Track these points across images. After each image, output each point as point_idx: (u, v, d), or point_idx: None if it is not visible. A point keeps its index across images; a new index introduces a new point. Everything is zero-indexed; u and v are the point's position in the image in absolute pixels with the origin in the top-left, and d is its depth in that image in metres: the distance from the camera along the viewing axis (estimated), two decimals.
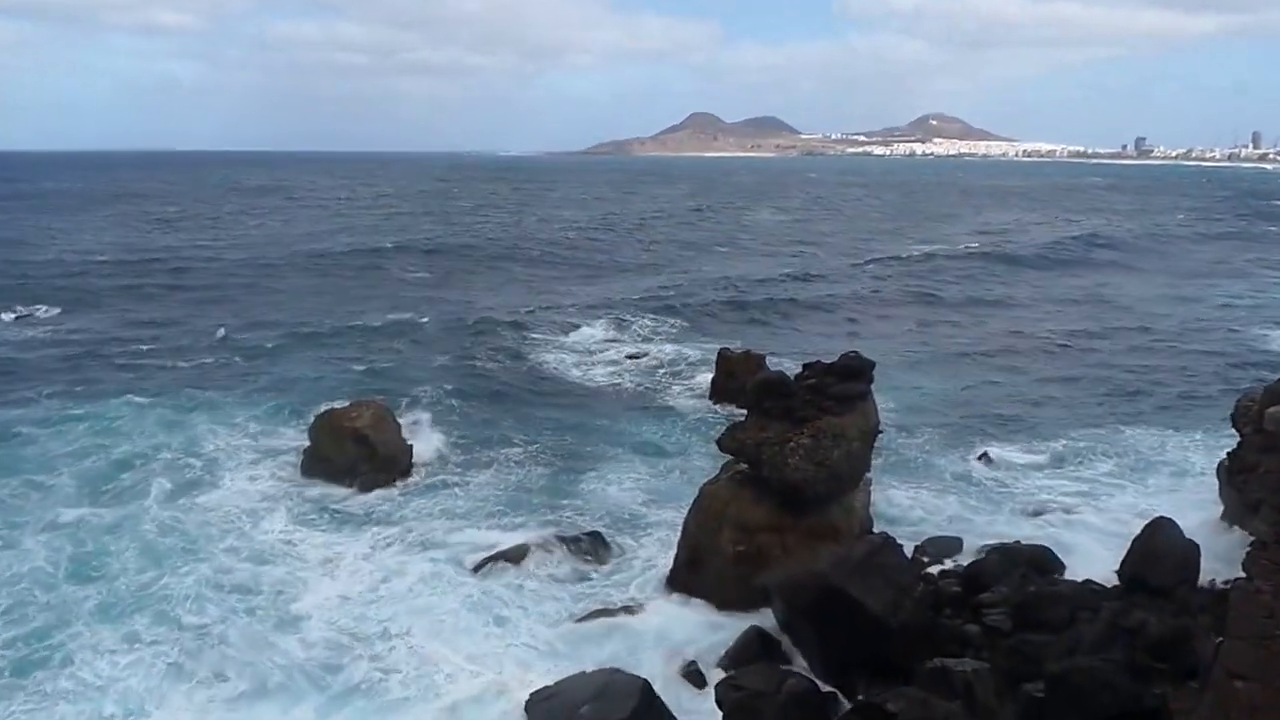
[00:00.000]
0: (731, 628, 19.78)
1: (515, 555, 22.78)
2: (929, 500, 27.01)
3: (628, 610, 20.65)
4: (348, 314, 51.18)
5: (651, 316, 51.61)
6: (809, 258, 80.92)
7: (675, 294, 59.27)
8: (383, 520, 25.33)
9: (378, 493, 26.96)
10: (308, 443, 28.94)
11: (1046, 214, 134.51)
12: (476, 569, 22.25)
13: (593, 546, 23.41)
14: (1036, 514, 25.92)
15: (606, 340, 45.97)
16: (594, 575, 22.47)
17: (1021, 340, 48.96)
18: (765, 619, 19.61)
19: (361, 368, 39.53)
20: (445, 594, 21.31)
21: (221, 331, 44.43)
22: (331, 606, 20.74)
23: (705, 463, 28.00)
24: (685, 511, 22.59)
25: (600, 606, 20.84)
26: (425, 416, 32.63)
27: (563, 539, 23.54)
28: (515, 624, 20.21)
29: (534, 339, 46.09)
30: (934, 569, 21.81)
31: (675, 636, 19.81)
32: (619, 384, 38.91)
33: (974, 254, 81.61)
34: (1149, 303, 60.32)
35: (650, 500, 26.64)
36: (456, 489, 27.44)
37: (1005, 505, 26.77)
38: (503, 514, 25.59)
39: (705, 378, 37.62)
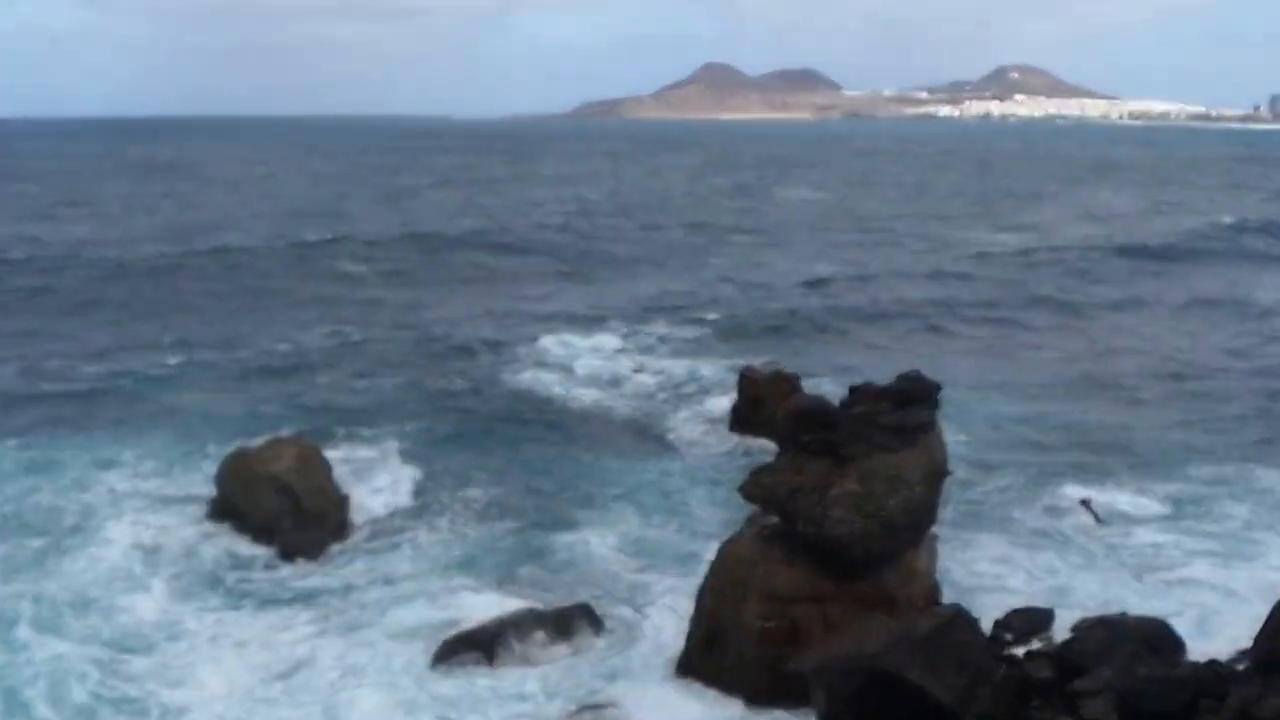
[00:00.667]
0: None
1: (478, 637, 22.62)
2: (1012, 560, 27.03)
3: (624, 706, 20.54)
4: (268, 327, 51.35)
5: (655, 325, 51.82)
6: (857, 250, 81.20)
7: (685, 297, 59.54)
8: (305, 591, 25.29)
9: (303, 556, 26.90)
10: (214, 492, 29.05)
11: (1167, 193, 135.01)
12: (436, 661, 22.11)
13: (579, 622, 23.33)
14: (1148, 576, 25.96)
15: (598, 356, 46.07)
16: (581, 660, 22.40)
17: (1133, 355, 49.10)
18: (803, 715, 19.56)
19: (285, 396, 39.62)
20: (379, 689, 21.12)
21: (100, 361, 44.25)
22: (222, 704, 20.65)
23: (723, 513, 28.00)
24: (697, 576, 22.53)
25: (590, 702, 20.73)
26: (366, 457, 32.73)
27: (540, 614, 23.43)
28: None
29: (507, 354, 46.32)
30: (1019, 649, 21.76)
31: None
32: (612, 410, 39.07)
33: (1074, 246, 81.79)
34: None
35: (652, 561, 26.67)
36: (406, 549, 27.47)
37: (1109, 566, 26.79)
38: (463, 582, 25.56)
39: (722, 403, 37.78)
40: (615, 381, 42.53)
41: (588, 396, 40.64)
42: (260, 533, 27.64)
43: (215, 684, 21.29)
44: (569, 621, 23.31)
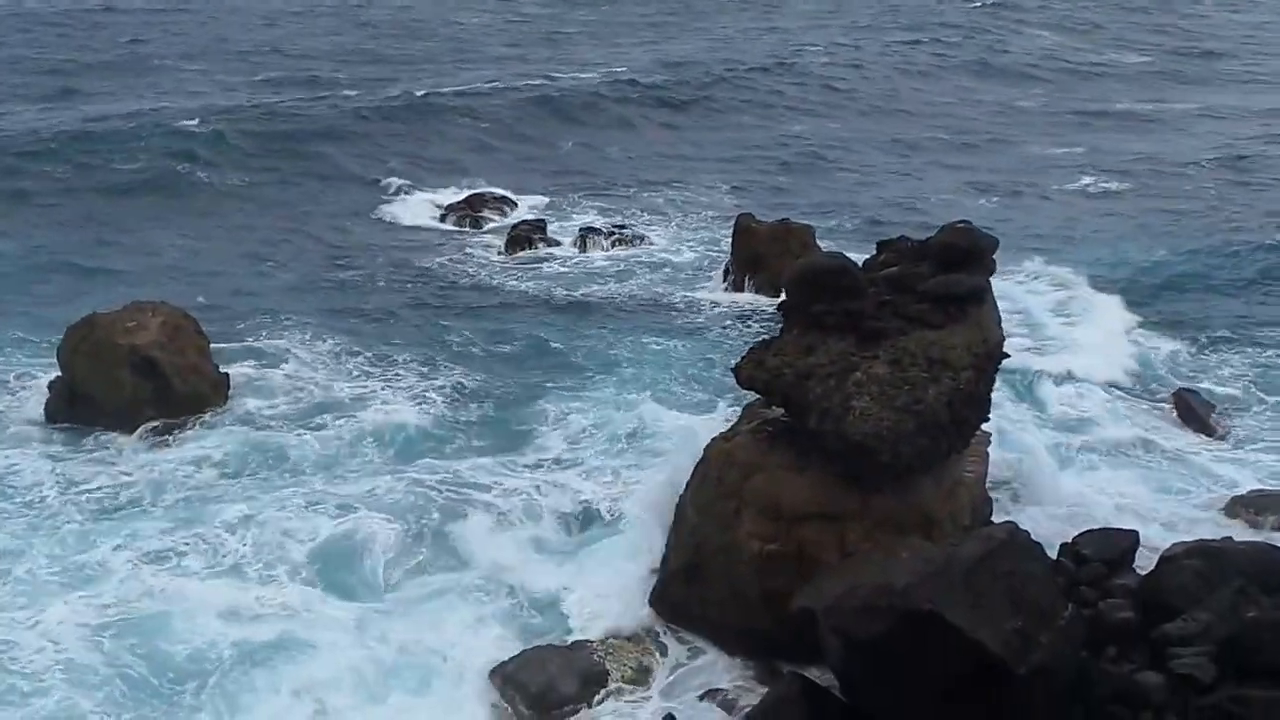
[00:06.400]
0: (757, 677, 20.02)
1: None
2: (1084, 466, 26.99)
3: (581, 647, 20.87)
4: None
5: (618, 194, 51.05)
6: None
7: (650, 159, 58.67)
8: (160, 506, 25.08)
9: (165, 451, 27.15)
10: (58, 373, 29.16)
11: None
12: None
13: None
14: (1262, 489, 25.71)
15: (541, 228, 45.17)
16: (518, 595, 22.57)
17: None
18: (811, 663, 19.51)
19: (146, 279, 38.69)
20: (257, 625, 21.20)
21: None
22: None
23: (708, 402, 28.61)
24: (672, 483, 22.60)
25: (539, 643, 20.98)
26: (249, 337, 33.21)
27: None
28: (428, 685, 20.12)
29: (426, 228, 46.45)
30: (1091, 583, 21.51)
31: (665, 693, 20.01)
32: (558, 289, 38.94)
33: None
34: None
35: (621, 462, 26.87)
36: (302, 449, 27.42)
37: (1213, 478, 26.67)
38: (376, 492, 25.51)
39: (707, 268, 38.70)
40: (572, 257, 42.55)
41: (533, 269, 40.86)
42: (119, 423, 27.90)
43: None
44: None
